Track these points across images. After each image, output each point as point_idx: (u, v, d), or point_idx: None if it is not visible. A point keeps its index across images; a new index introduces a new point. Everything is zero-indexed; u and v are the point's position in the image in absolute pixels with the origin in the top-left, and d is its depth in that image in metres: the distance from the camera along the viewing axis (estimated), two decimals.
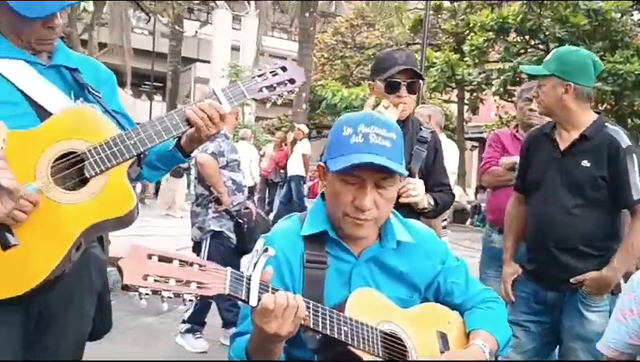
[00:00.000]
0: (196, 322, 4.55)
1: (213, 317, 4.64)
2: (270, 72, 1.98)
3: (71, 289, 1.80)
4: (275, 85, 1.97)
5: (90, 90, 1.86)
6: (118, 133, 1.73)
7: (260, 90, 1.95)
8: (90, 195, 1.66)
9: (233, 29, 28.30)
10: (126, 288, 1.19)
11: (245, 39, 27.53)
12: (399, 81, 2.53)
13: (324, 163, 1.58)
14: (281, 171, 11.88)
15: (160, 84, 26.53)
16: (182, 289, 1.22)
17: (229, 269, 1.28)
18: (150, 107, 21.95)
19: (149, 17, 14.15)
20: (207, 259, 3.80)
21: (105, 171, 1.68)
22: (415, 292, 1.66)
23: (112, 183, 1.70)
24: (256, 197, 11.74)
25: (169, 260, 1.24)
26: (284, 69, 2.01)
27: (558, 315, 2.58)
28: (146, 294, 1.20)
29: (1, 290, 1.57)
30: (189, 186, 12.00)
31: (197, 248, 4.51)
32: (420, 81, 2.64)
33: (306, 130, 11.14)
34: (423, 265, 1.67)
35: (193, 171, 5.15)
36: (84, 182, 1.68)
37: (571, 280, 2.50)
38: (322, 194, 1.67)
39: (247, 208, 4.63)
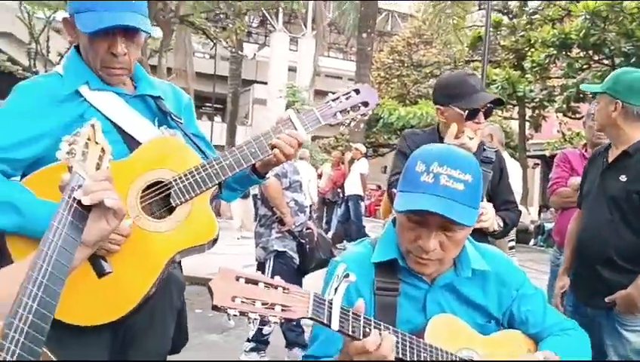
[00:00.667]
0: (260, 341, 4.61)
1: (276, 337, 4.69)
2: (343, 95, 1.98)
3: (154, 309, 1.86)
4: (348, 109, 1.97)
5: (173, 117, 1.94)
6: (200, 163, 1.80)
7: (334, 115, 1.95)
8: (176, 223, 1.73)
9: (290, 50, 28.79)
10: (215, 308, 1.25)
11: (301, 60, 27.93)
12: (479, 108, 2.52)
13: (393, 191, 1.58)
14: (339, 190, 11.92)
15: (220, 106, 27.24)
16: (267, 312, 1.26)
17: (312, 293, 1.32)
18: (211, 128, 22.55)
19: (214, 43, 14.63)
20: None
21: (189, 200, 1.75)
22: (492, 319, 1.64)
23: (196, 211, 1.77)
24: (314, 216, 11.81)
25: (255, 282, 1.29)
26: (357, 91, 2.00)
27: (599, 332, 2.53)
28: (234, 315, 1.25)
29: (97, 316, 1.65)
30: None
31: (261, 268, 4.59)
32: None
33: (363, 149, 11.16)
34: (498, 292, 1.64)
35: (257, 192, 5.26)
36: (170, 210, 1.75)
37: (606, 300, 2.49)
38: (394, 221, 1.67)
39: (308, 228, 4.69)
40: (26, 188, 1.66)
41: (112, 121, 1.80)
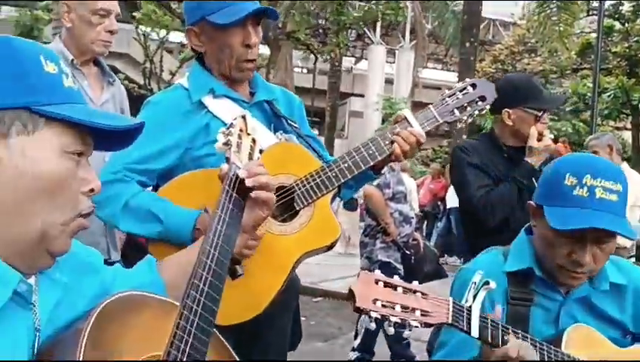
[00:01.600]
0: (365, 350, 4.62)
1: (381, 349, 4.69)
2: (460, 91, 1.95)
3: (274, 309, 1.91)
4: (465, 105, 1.94)
5: (289, 121, 2.01)
6: (320, 166, 1.86)
7: (452, 112, 1.93)
8: (301, 226, 1.80)
9: (387, 62, 28.79)
10: (357, 310, 1.29)
11: (399, 72, 27.84)
12: (549, 108, 2.57)
13: (538, 204, 1.53)
14: (439, 203, 11.73)
15: (317, 119, 27.75)
16: (407, 316, 1.29)
17: (451, 299, 1.33)
18: None
19: (316, 58, 14.96)
20: None
21: (312, 203, 1.81)
22: (627, 334, 1.58)
23: (319, 214, 1.83)
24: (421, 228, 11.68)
25: (394, 287, 1.33)
26: (473, 85, 1.97)
27: None
28: (376, 318, 1.28)
29: (230, 316, 1.70)
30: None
31: None
32: None
33: None
34: (636, 307, 1.58)
35: (362, 202, 5.30)
36: (292, 214, 1.82)
37: None
38: (526, 229, 1.65)
39: (415, 240, 4.66)
40: (163, 198, 1.77)
41: None
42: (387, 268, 4.46)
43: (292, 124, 2.02)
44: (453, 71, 25.56)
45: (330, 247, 1.86)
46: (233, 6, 1.81)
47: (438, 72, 31.93)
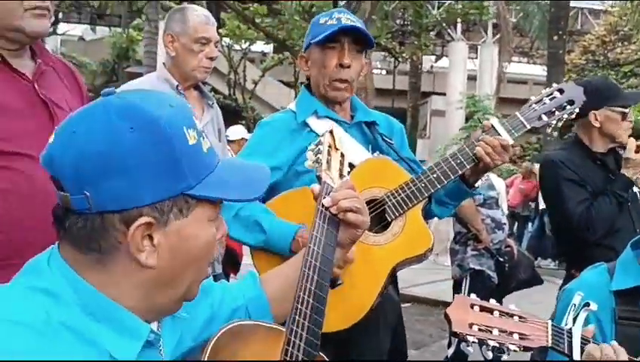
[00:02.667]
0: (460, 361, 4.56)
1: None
2: (547, 97, 1.98)
3: (370, 322, 1.95)
4: (554, 110, 1.95)
5: (384, 138, 2.10)
6: (409, 178, 1.92)
7: (539, 117, 1.94)
8: (393, 236, 1.88)
9: (469, 58, 28.12)
10: (454, 334, 1.31)
11: (482, 68, 27.10)
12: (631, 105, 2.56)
13: None
14: (530, 204, 11.29)
15: (397, 120, 27.51)
16: (505, 340, 1.29)
17: (550, 322, 1.32)
18: None
19: (398, 61, 14.91)
20: None
21: (403, 214, 1.88)
22: None
23: (410, 224, 1.90)
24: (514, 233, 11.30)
25: (490, 311, 1.33)
26: (560, 91, 1.99)
27: None
28: (473, 342, 1.30)
29: (331, 324, 1.80)
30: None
31: (457, 286, 4.53)
32: None
33: None
34: None
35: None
36: (384, 226, 1.89)
37: None
38: (632, 244, 1.59)
39: (508, 246, 4.52)
40: (268, 209, 1.92)
41: None
42: (480, 277, 4.36)
43: (387, 140, 2.11)
44: (540, 64, 24.56)
45: (423, 256, 1.92)
46: (332, 27, 1.96)
47: (523, 65, 30.78)
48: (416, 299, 7.57)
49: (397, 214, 1.87)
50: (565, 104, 1.96)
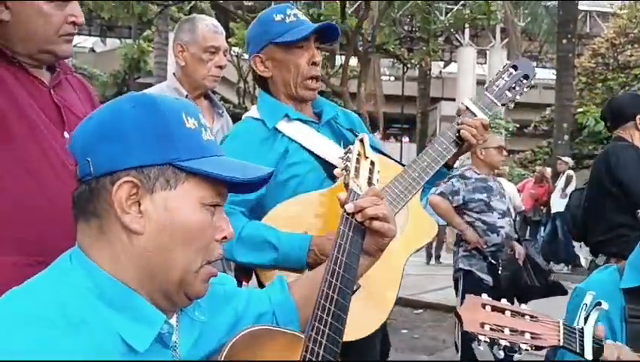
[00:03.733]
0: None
1: None
2: (504, 74, 2.06)
3: None
4: (513, 85, 2.03)
5: (354, 133, 2.04)
6: (402, 170, 1.94)
7: (504, 94, 2.02)
8: (401, 228, 1.85)
9: (478, 63, 28.10)
10: (465, 334, 1.32)
11: (491, 72, 27.05)
12: None
13: None
14: (542, 208, 11.23)
15: (407, 126, 27.54)
16: (517, 339, 1.29)
17: (561, 322, 1.33)
18: (400, 148, 22.86)
19: (407, 67, 14.94)
20: (462, 298, 3.81)
21: (404, 205, 1.89)
22: None
23: (414, 214, 1.94)
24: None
25: (501, 310, 1.34)
26: (514, 67, 2.07)
27: None
28: (485, 341, 1.30)
29: (358, 331, 1.73)
30: None
31: (456, 287, 4.53)
32: None
33: (571, 162, 10.42)
34: None
35: None
36: None
37: None
38: None
39: (512, 250, 4.43)
40: (270, 226, 1.83)
41: (308, 150, 1.96)
42: (470, 278, 4.32)
43: (356, 135, 2.10)
44: (550, 67, 24.46)
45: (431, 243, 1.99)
46: (297, 27, 1.94)
47: None
48: (428, 305, 7.54)
49: (400, 206, 1.88)
50: (522, 79, 2.05)
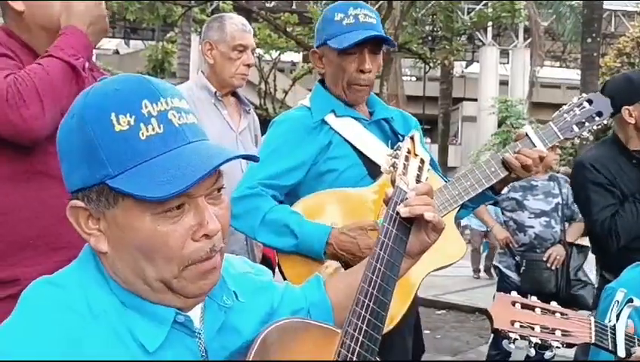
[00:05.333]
0: None
1: None
2: (577, 107, 1.97)
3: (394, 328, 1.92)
4: (584, 120, 1.95)
5: (403, 136, 2.07)
6: (443, 185, 1.90)
7: (571, 128, 1.94)
8: None
9: (500, 63, 27.84)
10: (496, 332, 1.32)
11: (514, 72, 26.80)
12: None
13: None
14: None
15: (428, 126, 27.40)
16: (548, 337, 1.30)
17: (593, 319, 1.33)
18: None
19: (430, 67, 14.87)
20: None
21: None
22: None
23: (445, 232, 1.86)
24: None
25: (532, 308, 1.34)
26: (589, 101, 1.98)
27: None
28: (515, 339, 1.31)
29: None
30: None
31: None
32: None
33: None
34: None
35: None
36: None
37: None
38: None
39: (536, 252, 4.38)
40: (298, 212, 1.86)
41: (353, 146, 1.98)
42: (501, 274, 4.46)
43: None
44: (574, 68, 24.17)
45: (453, 264, 1.91)
46: (352, 32, 1.92)
47: (556, 69, 30.33)
48: (452, 306, 7.52)
49: None
50: (595, 115, 1.96)
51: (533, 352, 1.30)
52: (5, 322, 0.87)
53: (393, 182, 1.26)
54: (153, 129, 0.85)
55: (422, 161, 1.35)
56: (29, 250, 1.45)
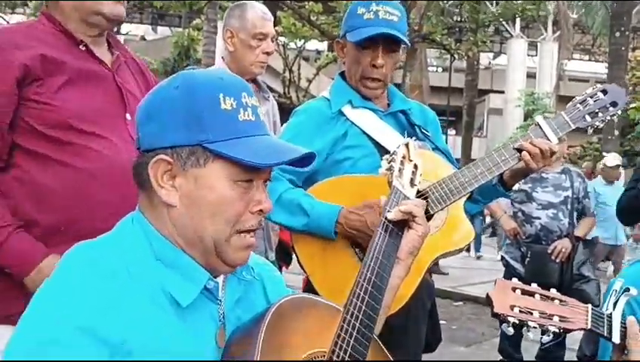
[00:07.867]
0: (512, 357, 4.55)
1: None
2: (591, 97, 1.96)
3: (408, 311, 1.95)
4: (597, 111, 1.94)
5: (422, 130, 2.12)
6: (453, 172, 1.94)
7: (583, 118, 1.94)
8: (435, 229, 1.89)
9: (528, 55, 27.49)
10: (496, 316, 1.37)
11: (542, 65, 26.45)
12: None
13: None
14: None
15: (453, 118, 27.18)
16: (546, 322, 1.34)
17: (590, 306, 1.37)
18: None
19: (454, 58, 14.74)
20: None
21: (445, 207, 1.90)
22: None
23: (453, 218, 1.92)
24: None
25: (531, 294, 1.39)
26: (604, 92, 1.97)
27: None
28: (513, 323, 1.36)
29: None
30: None
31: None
32: None
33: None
34: None
35: None
36: (427, 217, 1.93)
37: None
38: None
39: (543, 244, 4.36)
40: (311, 195, 1.95)
41: (368, 136, 2.04)
42: (506, 264, 4.55)
43: (425, 133, 2.13)
44: (602, 61, 23.72)
45: (461, 251, 1.96)
46: (368, 27, 1.97)
47: (585, 63, 29.85)
48: (468, 297, 7.53)
49: (440, 207, 1.88)
50: (609, 106, 1.95)
51: (530, 336, 1.35)
52: (45, 281, 1.00)
53: (390, 183, 1.36)
54: (248, 116, 1.04)
55: (415, 166, 1.46)
56: (58, 236, 1.51)
